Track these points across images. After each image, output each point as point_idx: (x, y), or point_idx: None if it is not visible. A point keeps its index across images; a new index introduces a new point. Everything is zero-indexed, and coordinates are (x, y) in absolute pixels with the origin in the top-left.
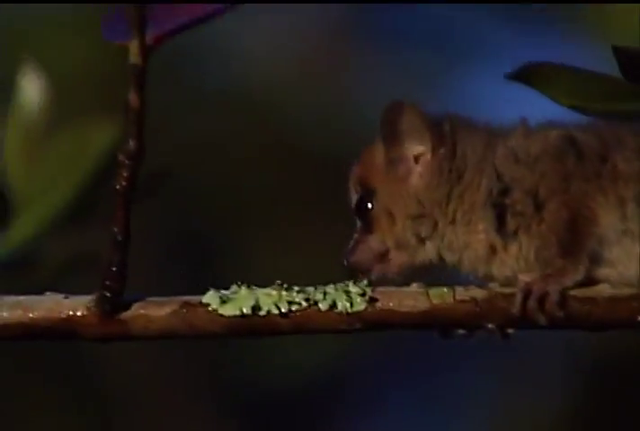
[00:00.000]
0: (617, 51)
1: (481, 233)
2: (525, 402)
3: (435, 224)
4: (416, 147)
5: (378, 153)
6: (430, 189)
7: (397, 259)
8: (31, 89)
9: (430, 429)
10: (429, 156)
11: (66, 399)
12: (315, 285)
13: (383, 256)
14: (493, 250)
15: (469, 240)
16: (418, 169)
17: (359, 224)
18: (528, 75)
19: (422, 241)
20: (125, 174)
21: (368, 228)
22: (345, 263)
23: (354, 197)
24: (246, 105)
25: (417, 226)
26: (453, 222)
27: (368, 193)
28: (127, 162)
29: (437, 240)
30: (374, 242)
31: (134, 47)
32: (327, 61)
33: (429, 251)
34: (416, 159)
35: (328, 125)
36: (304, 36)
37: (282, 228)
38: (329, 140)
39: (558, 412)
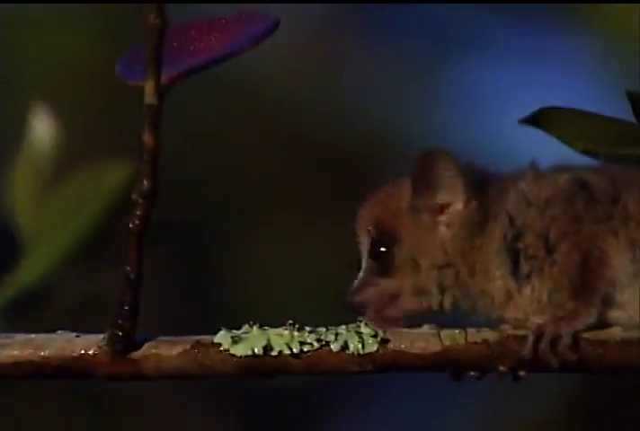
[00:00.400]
0: (630, 96)
1: (499, 280)
2: (525, 402)
3: (457, 274)
4: (447, 197)
5: (403, 199)
6: (457, 239)
7: (404, 304)
8: (42, 128)
9: (430, 429)
10: (460, 207)
11: (66, 399)
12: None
13: (392, 300)
14: (509, 295)
15: (487, 287)
16: (445, 218)
17: (365, 263)
18: (541, 120)
19: (442, 290)
20: (138, 213)
21: (384, 271)
22: (349, 302)
23: (366, 239)
24: (246, 99)
25: (442, 276)
26: (473, 271)
27: (385, 237)
28: (140, 201)
29: (456, 290)
30: (388, 286)
31: (149, 87)
32: (326, 54)
33: (445, 300)
34: (442, 208)
35: (328, 116)
36: (303, 31)
37: (283, 224)
38: (328, 131)
39: (557, 412)
